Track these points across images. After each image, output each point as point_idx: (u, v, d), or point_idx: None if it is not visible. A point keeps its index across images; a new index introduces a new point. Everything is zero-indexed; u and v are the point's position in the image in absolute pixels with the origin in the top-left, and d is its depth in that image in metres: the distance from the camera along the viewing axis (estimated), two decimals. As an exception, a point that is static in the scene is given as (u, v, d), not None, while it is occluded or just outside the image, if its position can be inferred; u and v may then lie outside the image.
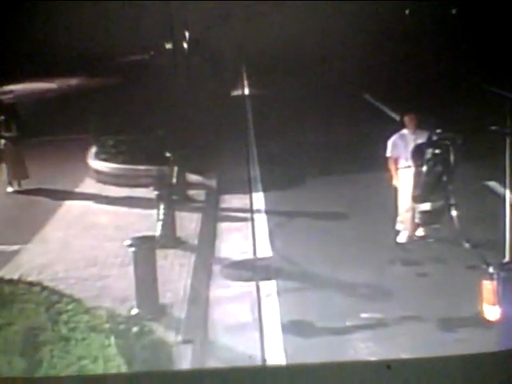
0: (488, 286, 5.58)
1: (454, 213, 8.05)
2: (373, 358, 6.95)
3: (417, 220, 9.44)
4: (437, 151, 8.31)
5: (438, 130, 8.56)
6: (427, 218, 9.10)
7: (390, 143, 10.04)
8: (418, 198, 8.81)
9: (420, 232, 9.90)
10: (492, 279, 5.58)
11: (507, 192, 5.81)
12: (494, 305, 5.51)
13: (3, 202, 13.45)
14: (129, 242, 7.92)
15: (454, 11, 40.52)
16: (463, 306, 7.82)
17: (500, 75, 16.45)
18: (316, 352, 7.12)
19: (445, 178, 8.16)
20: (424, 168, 8.43)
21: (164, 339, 7.04)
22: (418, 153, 8.69)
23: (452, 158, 8.22)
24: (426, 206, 8.92)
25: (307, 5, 51.52)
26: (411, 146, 9.57)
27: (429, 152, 8.42)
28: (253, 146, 17.11)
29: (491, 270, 5.68)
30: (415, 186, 8.75)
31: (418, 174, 8.55)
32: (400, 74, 26.90)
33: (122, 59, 39.70)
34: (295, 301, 8.47)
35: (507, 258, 5.90)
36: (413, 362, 3.95)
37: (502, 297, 5.50)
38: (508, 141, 5.86)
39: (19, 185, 13.94)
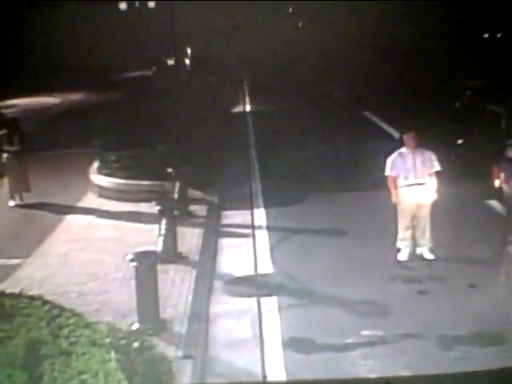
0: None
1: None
2: (373, 375, 6.96)
3: None
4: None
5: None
6: None
7: (389, 161, 10.06)
8: None
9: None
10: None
11: None
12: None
13: (5, 215, 13.48)
14: (130, 256, 7.93)
15: (452, 26, 40.33)
16: (463, 324, 7.84)
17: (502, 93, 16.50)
18: (316, 368, 7.13)
19: None
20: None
21: (164, 354, 7.03)
22: None
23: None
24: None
25: (309, 20, 51.80)
26: (410, 164, 9.76)
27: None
28: (254, 162, 17.15)
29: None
30: None
31: None
32: (400, 91, 26.97)
33: (124, 74, 39.86)
34: (296, 317, 8.47)
35: None
36: (412, 380, 3.95)
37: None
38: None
39: (21, 199, 13.95)
